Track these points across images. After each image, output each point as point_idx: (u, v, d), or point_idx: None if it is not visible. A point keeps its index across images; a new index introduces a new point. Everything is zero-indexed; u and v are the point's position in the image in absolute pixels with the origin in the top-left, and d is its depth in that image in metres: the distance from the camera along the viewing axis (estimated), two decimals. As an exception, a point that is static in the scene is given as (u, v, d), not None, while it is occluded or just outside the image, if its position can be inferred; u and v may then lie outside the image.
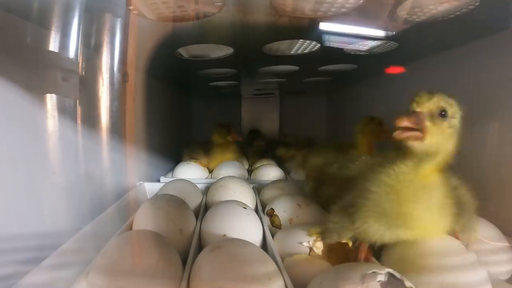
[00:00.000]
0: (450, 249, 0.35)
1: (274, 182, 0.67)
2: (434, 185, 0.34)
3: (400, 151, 0.34)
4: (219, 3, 0.45)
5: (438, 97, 0.32)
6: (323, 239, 0.40)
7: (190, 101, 1.49)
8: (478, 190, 0.43)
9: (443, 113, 0.32)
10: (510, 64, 0.50)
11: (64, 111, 0.41)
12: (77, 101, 0.44)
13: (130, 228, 0.48)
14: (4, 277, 0.30)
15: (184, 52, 0.70)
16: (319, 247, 0.40)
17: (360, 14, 0.48)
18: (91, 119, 0.50)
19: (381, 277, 0.27)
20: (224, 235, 0.43)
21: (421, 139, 0.32)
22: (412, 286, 0.28)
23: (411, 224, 0.34)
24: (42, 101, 0.38)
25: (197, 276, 0.33)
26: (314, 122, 1.48)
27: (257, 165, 0.98)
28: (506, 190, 0.50)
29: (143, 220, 0.47)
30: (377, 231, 0.35)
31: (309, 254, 0.40)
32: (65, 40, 0.40)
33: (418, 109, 0.32)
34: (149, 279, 0.32)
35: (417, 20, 0.49)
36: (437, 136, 0.32)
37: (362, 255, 0.38)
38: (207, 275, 0.32)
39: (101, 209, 0.48)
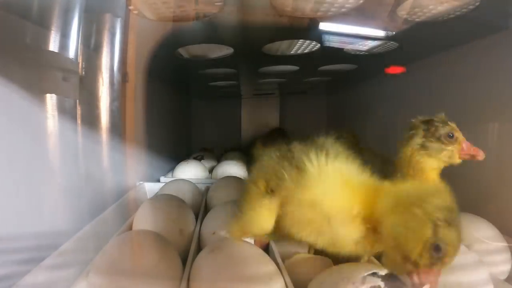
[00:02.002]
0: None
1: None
2: None
3: None
4: (219, 3, 0.45)
5: None
6: None
7: (190, 101, 1.49)
8: (477, 190, 0.44)
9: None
10: (510, 63, 0.50)
11: (64, 111, 0.40)
12: (77, 101, 0.44)
13: (130, 228, 0.48)
14: (4, 277, 0.30)
15: (184, 52, 0.70)
16: None
17: (360, 14, 0.48)
18: (91, 119, 0.50)
19: (382, 278, 0.27)
20: (214, 233, 0.43)
21: None
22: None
23: None
24: (42, 101, 0.38)
25: (197, 276, 0.33)
26: (314, 122, 1.48)
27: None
28: (505, 190, 0.50)
29: (143, 220, 0.47)
30: None
31: (308, 251, 0.40)
32: (65, 40, 0.40)
33: None
34: (149, 279, 0.32)
35: (417, 20, 0.49)
36: None
37: None
38: (207, 276, 0.32)
39: (101, 209, 0.48)
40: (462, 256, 0.34)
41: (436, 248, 0.25)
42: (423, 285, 0.25)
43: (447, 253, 0.25)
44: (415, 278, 0.25)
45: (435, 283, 0.25)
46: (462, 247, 0.35)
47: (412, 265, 0.26)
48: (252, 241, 0.40)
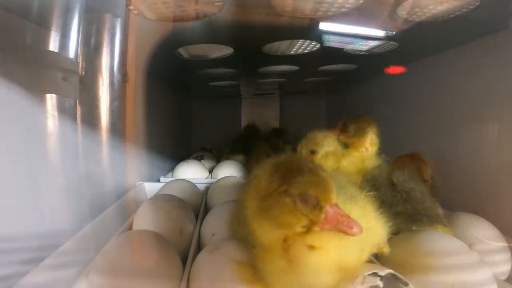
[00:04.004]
0: (452, 249, 0.35)
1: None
2: None
3: None
4: (219, 3, 0.45)
5: None
6: None
7: (190, 101, 1.49)
8: (477, 189, 0.44)
9: None
10: (510, 63, 0.50)
11: (64, 111, 0.40)
12: (77, 101, 0.44)
13: (130, 228, 0.48)
14: (4, 277, 0.30)
15: (184, 52, 0.70)
16: None
17: (360, 14, 0.48)
18: (91, 119, 0.50)
19: (382, 278, 0.27)
20: (213, 234, 0.43)
21: None
22: (413, 286, 0.28)
23: None
24: (42, 101, 0.38)
25: (197, 276, 0.33)
26: (314, 122, 1.48)
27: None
28: (505, 190, 0.50)
29: (143, 220, 0.47)
30: None
31: None
32: (65, 40, 0.40)
33: None
34: (149, 279, 0.32)
35: (417, 20, 0.49)
36: None
37: None
38: (207, 276, 0.32)
39: (101, 209, 0.48)
40: (463, 256, 0.34)
41: (303, 197, 0.25)
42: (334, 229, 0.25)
43: (318, 194, 0.25)
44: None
45: (340, 221, 0.25)
46: (464, 247, 0.35)
47: (309, 226, 0.26)
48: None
